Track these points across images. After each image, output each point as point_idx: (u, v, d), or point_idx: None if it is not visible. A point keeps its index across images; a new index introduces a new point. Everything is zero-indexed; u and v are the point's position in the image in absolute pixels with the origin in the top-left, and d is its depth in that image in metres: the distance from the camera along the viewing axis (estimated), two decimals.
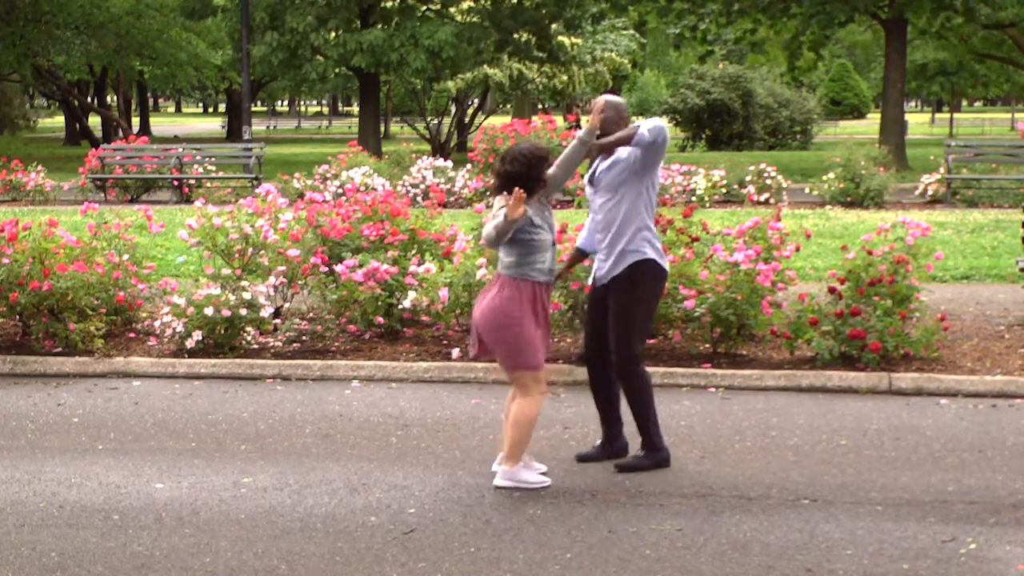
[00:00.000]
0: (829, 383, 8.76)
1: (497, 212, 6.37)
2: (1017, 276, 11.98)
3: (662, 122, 6.70)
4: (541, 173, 6.47)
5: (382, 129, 44.30)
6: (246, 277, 10.11)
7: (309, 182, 20.74)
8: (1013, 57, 37.83)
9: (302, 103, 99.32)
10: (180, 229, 10.74)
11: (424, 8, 33.69)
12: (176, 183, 23.68)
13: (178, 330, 9.71)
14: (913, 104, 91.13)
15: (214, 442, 7.61)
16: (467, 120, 42.47)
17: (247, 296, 9.72)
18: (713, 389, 8.73)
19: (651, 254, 6.73)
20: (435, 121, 40.13)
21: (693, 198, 20.19)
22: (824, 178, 21.29)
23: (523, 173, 6.40)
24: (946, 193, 21.14)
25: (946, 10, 30.41)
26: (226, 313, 9.58)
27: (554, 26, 35.60)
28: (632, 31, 45.89)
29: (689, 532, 5.87)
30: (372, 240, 10.50)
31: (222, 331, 9.69)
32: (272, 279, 10.02)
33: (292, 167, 26.52)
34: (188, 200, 21.84)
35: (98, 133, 47.51)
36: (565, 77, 40.35)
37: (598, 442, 7.14)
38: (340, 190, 18.69)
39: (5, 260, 9.73)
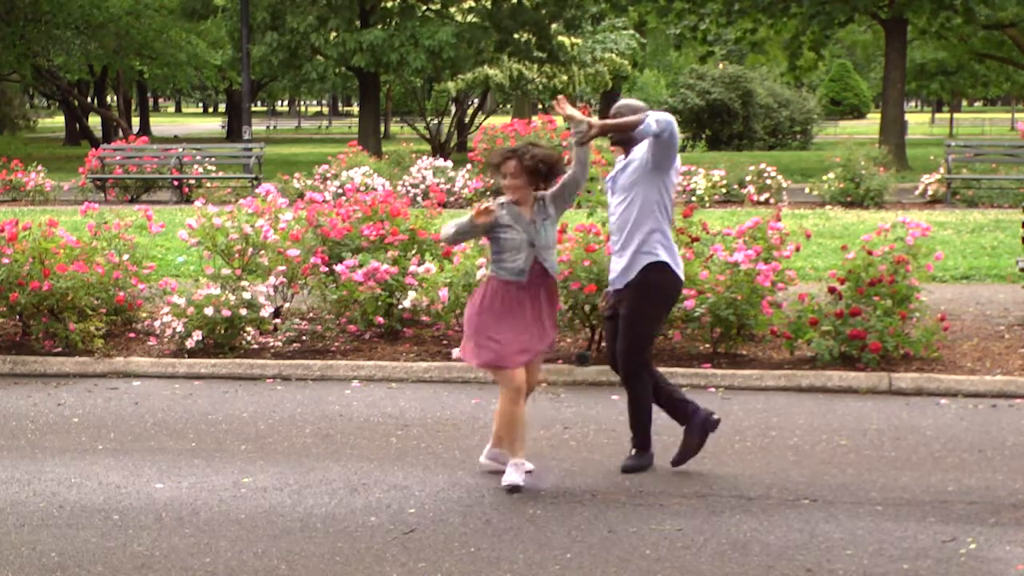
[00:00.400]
0: (829, 383, 8.76)
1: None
2: (1017, 276, 11.98)
3: (671, 118, 6.52)
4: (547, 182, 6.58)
5: (382, 129, 44.30)
6: (246, 277, 10.11)
7: (309, 182, 20.74)
8: (1013, 57, 37.83)
9: (302, 103, 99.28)
10: (180, 229, 10.74)
11: (424, 8, 33.70)
12: (176, 183, 23.69)
13: (178, 330, 9.71)
14: (913, 104, 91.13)
15: (214, 442, 7.61)
16: (467, 120, 42.46)
17: (247, 296, 9.72)
18: (713, 389, 8.73)
19: (664, 257, 6.60)
20: (435, 121, 40.13)
21: (693, 198, 20.19)
22: (824, 178, 21.30)
23: (544, 175, 6.52)
24: (946, 193, 21.14)
25: (946, 10, 30.41)
26: (226, 313, 9.58)
27: (554, 26, 35.61)
28: (632, 31, 45.85)
29: (689, 532, 5.87)
30: (372, 240, 10.50)
31: (222, 331, 9.70)
32: (272, 279, 10.02)
33: (292, 167, 26.52)
34: (188, 200, 21.85)
35: (98, 133, 47.50)
36: (565, 77, 40.31)
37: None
38: (340, 190, 18.69)
39: (5, 260, 9.73)
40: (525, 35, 34.55)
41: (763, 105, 45.46)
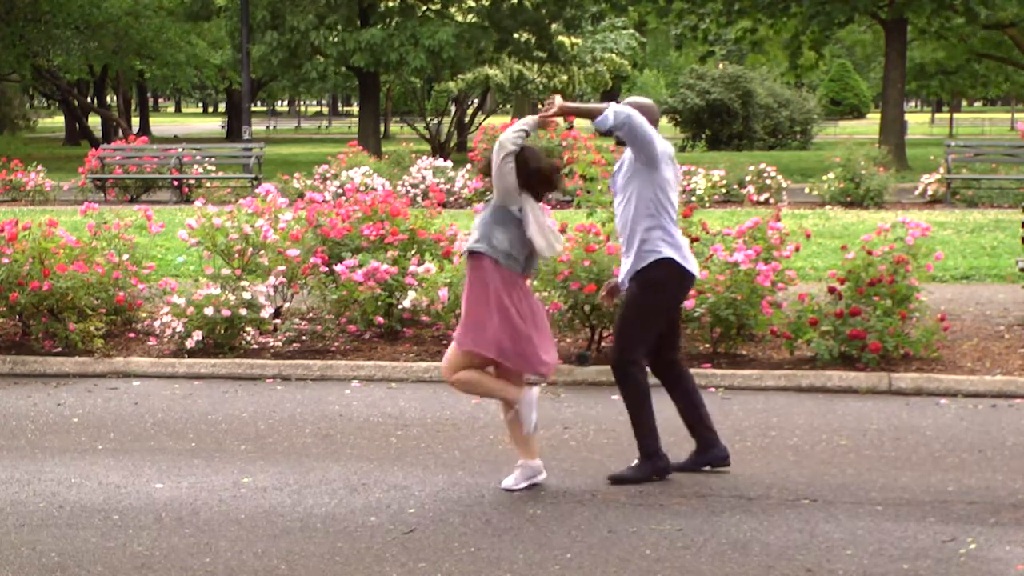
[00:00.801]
0: (829, 383, 8.76)
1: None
2: (1017, 276, 11.97)
3: (631, 111, 6.35)
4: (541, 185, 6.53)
5: (382, 129, 44.28)
6: (246, 277, 10.11)
7: (309, 182, 20.73)
8: (1013, 57, 37.82)
9: (302, 103, 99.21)
10: (180, 229, 10.74)
11: (424, 8, 33.70)
12: (176, 183, 23.68)
13: (178, 330, 9.71)
14: (913, 104, 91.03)
15: (214, 442, 7.61)
16: (467, 120, 42.46)
17: (247, 296, 9.72)
18: (713, 389, 8.72)
19: (668, 253, 6.50)
20: (435, 121, 40.12)
21: (693, 198, 20.16)
22: (824, 178, 21.29)
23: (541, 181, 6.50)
24: (946, 193, 21.14)
25: (946, 10, 30.41)
26: (226, 313, 9.58)
27: (554, 26, 35.59)
28: (632, 31, 45.84)
29: (689, 532, 5.87)
30: (372, 240, 10.50)
31: (222, 331, 9.69)
32: (272, 279, 10.02)
33: (292, 167, 26.51)
34: (188, 200, 21.84)
35: (98, 133, 47.47)
36: (565, 77, 40.30)
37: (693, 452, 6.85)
38: (340, 190, 18.67)
39: (5, 260, 9.73)
40: (525, 35, 34.53)
41: (763, 105, 45.42)
